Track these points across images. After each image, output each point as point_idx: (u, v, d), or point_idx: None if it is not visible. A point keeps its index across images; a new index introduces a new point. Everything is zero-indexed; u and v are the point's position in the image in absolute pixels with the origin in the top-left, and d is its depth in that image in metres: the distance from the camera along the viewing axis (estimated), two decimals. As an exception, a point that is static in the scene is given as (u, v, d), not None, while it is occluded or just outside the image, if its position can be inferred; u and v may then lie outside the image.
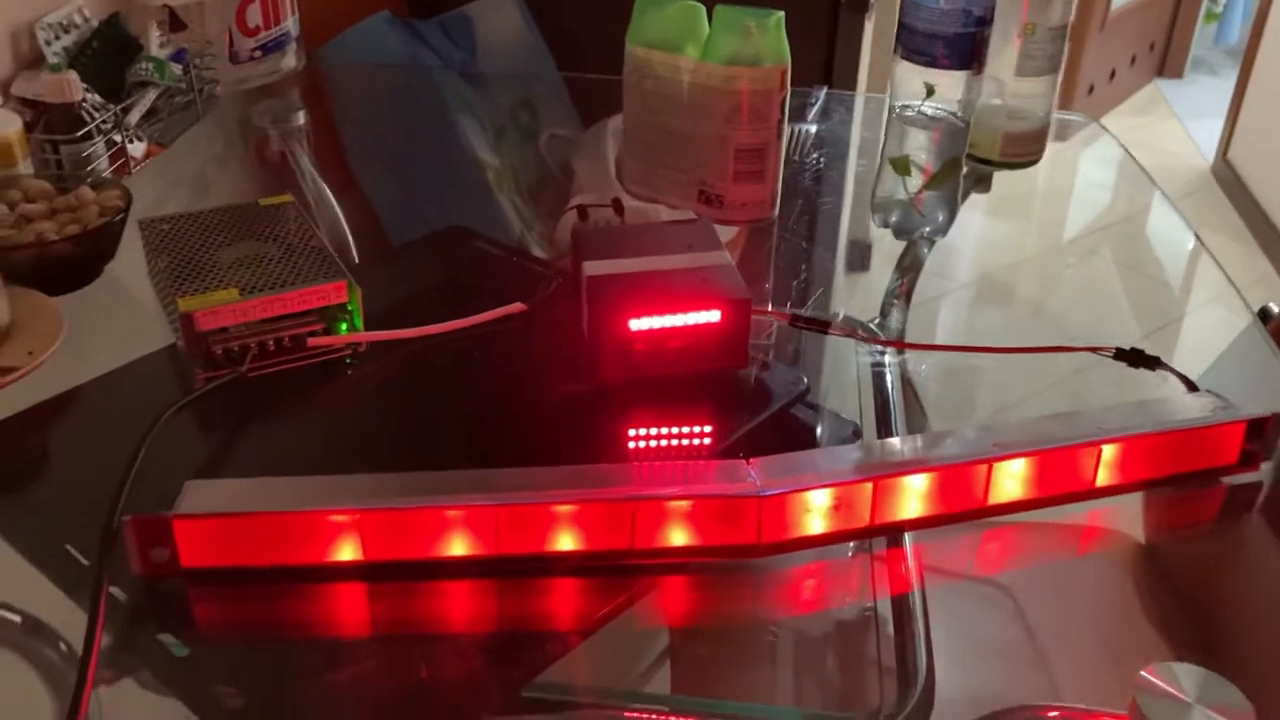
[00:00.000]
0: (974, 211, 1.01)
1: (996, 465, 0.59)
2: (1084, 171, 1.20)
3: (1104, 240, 1.05)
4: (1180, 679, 0.47)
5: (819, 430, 0.72)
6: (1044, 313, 0.94)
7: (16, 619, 0.55)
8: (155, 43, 1.05)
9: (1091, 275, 1.00)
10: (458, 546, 0.56)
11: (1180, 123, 3.32)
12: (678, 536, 0.57)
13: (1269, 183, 2.69)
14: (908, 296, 0.90)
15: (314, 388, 0.71)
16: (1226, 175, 2.90)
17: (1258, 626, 0.62)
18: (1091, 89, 3.19)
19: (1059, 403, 0.75)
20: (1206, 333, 0.86)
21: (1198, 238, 0.97)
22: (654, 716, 0.58)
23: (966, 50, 0.82)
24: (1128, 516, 0.66)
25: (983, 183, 1.00)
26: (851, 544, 0.61)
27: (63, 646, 0.53)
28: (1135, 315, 0.91)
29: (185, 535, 0.54)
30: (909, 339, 0.85)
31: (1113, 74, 3.31)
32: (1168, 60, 3.61)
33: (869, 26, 1.58)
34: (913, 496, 0.59)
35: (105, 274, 0.82)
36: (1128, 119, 3.35)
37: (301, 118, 1.15)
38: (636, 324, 0.68)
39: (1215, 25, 3.76)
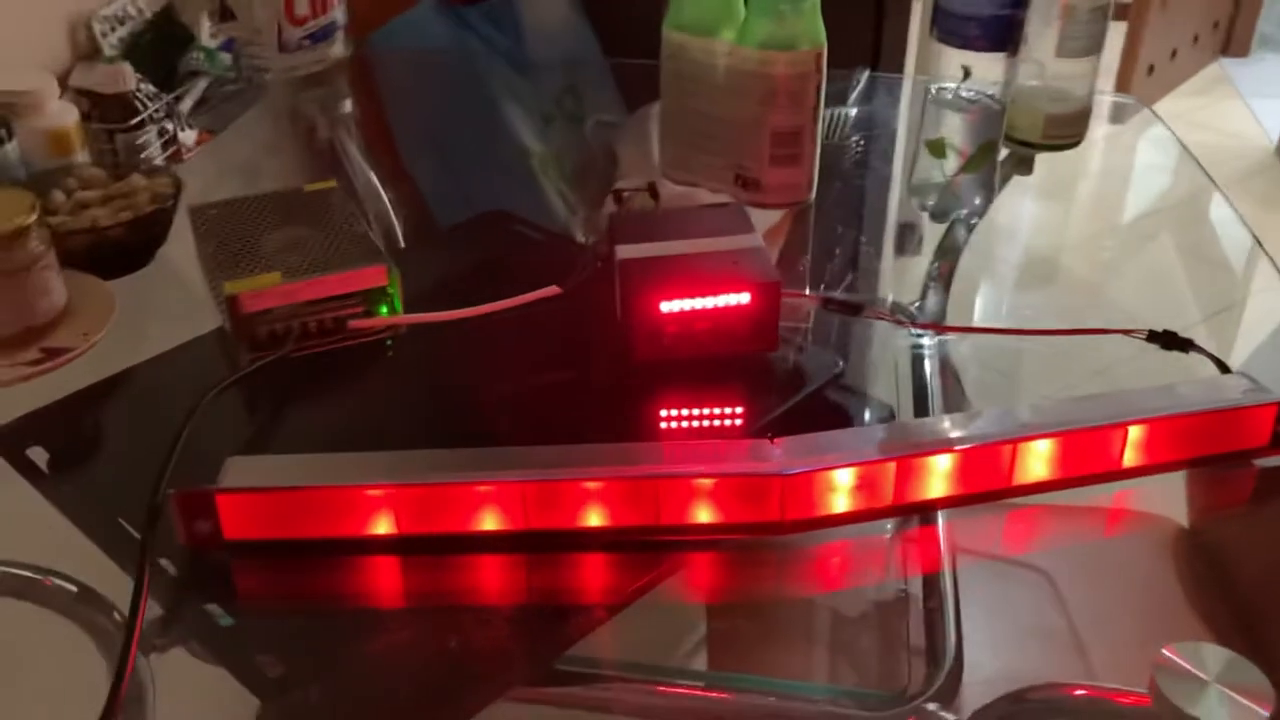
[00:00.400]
0: (1016, 194, 1.00)
1: (1021, 446, 0.59)
2: (1129, 154, 1.18)
3: (1149, 224, 1.04)
4: (1202, 658, 0.47)
5: (853, 413, 0.73)
6: (1087, 296, 0.93)
7: (72, 588, 0.58)
8: (206, 33, 1.08)
9: (1138, 259, 0.99)
10: (488, 521, 0.58)
11: (1245, 102, 3.24)
12: (702, 514, 0.58)
13: (1335, 163, 2.62)
14: (947, 279, 0.90)
15: (354, 368, 0.73)
16: (1291, 156, 2.83)
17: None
18: (1151, 69, 3.13)
19: (1104, 386, 0.74)
20: (1258, 318, 0.84)
21: (1243, 221, 0.96)
22: (684, 690, 0.59)
23: (1003, 32, 0.81)
24: (1159, 497, 0.66)
25: (1024, 165, 1.00)
26: (886, 522, 0.61)
27: (115, 615, 0.55)
28: (1181, 300, 0.90)
29: (227, 508, 0.56)
30: (950, 321, 0.85)
31: (1174, 53, 3.24)
32: (1233, 38, 3.52)
33: (917, 7, 1.57)
34: (937, 476, 0.59)
35: (158, 258, 0.84)
36: (1189, 99, 3.27)
37: (349, 105, 1.17)
38: (667, 306, 0.69)
39: (1283, 1, 3.66)
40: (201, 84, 1.07)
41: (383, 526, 0.58)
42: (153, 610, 0.55)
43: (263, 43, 1.12)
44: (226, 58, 1.09)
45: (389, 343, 0.75)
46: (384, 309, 0.73)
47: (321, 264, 0.72)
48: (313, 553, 0.58)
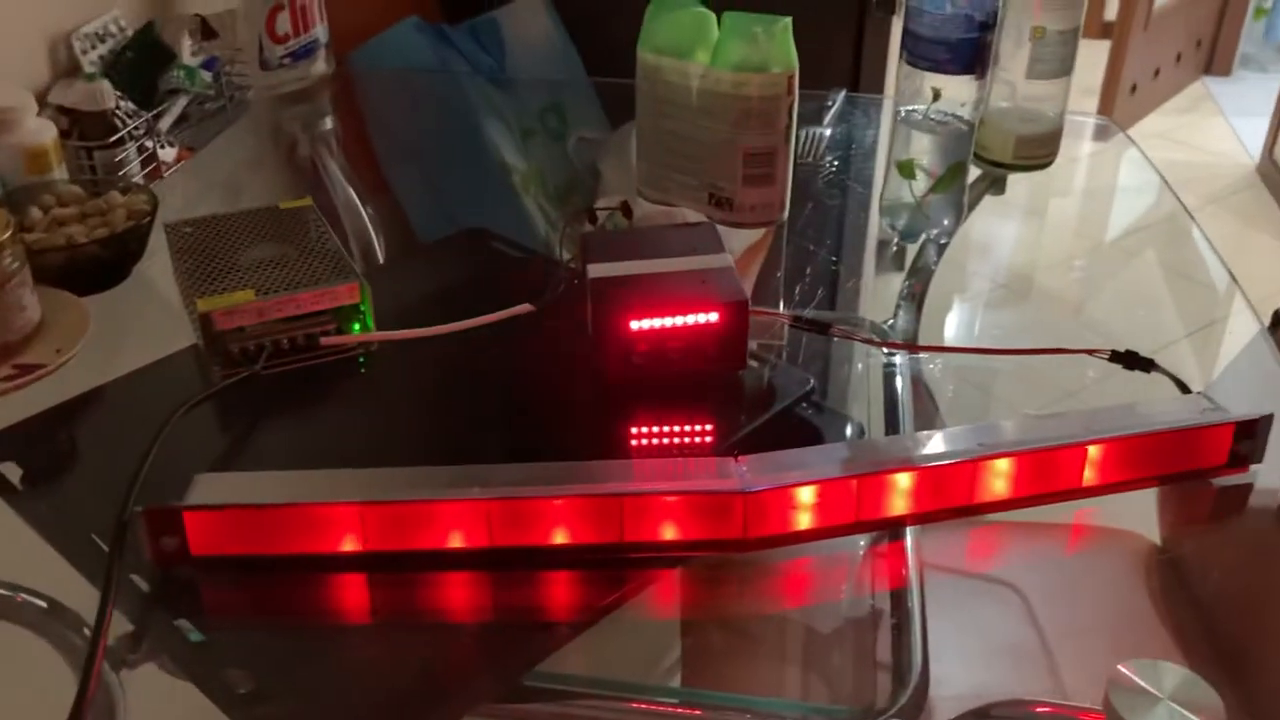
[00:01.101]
0: (990, 214, 1.01)
1: (982, 464, 0.60)
2: (1103, 175, 1.20)
3: (1122, 244, 1.05)
4: (1157, 675, 0.48)
5: (824, 431, 0.73)
6: (1060, 315, 0.94)
7: (42, 604, 0.58)
8: (187, 51, 1.08)
9: (1111, 279, 1.00)
10: (456, 539, 0.58)
11: (1226, 121, 3.27)
12: (667, 531, 0.58)
13: (1315, 182, 2.65)
14: (919, 298, 0.91)
15: (326, 385, 0.74)
16: (1272, 174, 2.85)
17: (1248, 624, 0.62)
18: (1135, 88, 3.15)
19: (1074, 405, 0.75)
20: (1231, 341, 0.85)
21: (1212, 246, 0.97)
22: (651, 706, 0.59)
23: (971, 55, 0.83)
24: (1122, 515, 0.67)
25: (997, 185, 1.01)
26: (855, 538, 0.62)
27: (85, 630, 0.55)
28: (1153, 320, 0.91)
29: (194, 525, 0.57)
30: (922, 340, 0.86)
31: (1157, 72, 3.27)
32: (1215, 57, 3.56)
33: (898, 29, 1.59)
34: (900, 494, 0.60)
35: (135, 275, 0.85)
36: (1173, 118, 3.30)
37: (330, 123, 1.18)
38: (636, 324, 0.69)
39: (1265, 21, 3.70)
40: (182, 102, 1.07)
41: (351, 544, 0.58)
42: (121, 626, 0.55)
43: (244, 60, 1.13)
44: (208, 76, 1.10)
45: (361, 360, 0.75)
46: (356, 326, 0.74)
47: (294, 281, 0.73)
48: (281, 569, 0.59)
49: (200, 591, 0.59)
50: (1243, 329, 0.84)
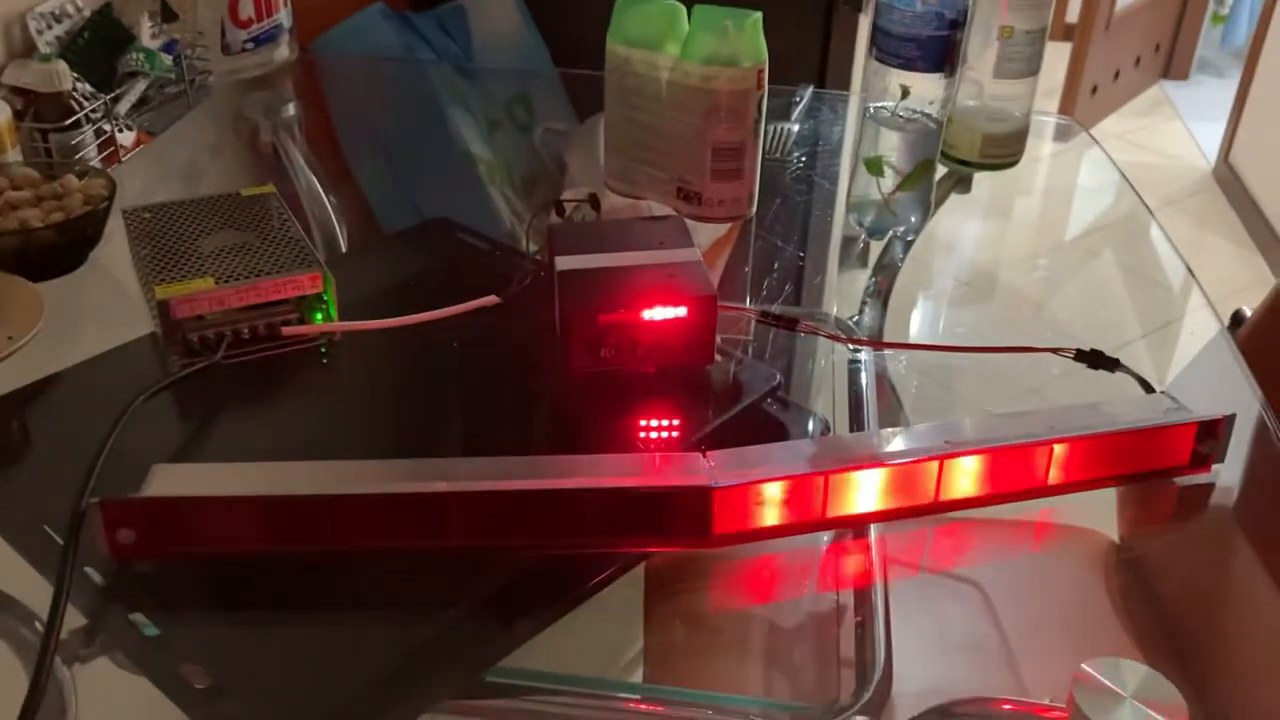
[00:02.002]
0: (956, 212, 1.02)
1: (948, 462, 0.60)
2: (1069, 175, 1.21)
3: (1085, 243, 1.06)
4: (1120, 674, 0.48)
5: (790, 426, 0.73)
6: (1024, 312, 0.95)
7: (-7, 597, 0.57)
8: (147, 33, 1.06)
9: (1075, 277, 1.01)
10: (417, 533, 0.57)
11: (1184, 124, 3.31)
12: (632, 527, 0.58)
13: (1269, 186, 2.69)
14: (885, 295, 0.92)
15: (287, 376, 0.72)
16: (1228, 178, 2.90)
17: (1215, 624, 0.63)
18: (1095, 89, 3.19)
19: (1038, 402, 0.76)
20: (1189, 340, 0.86)
21: (1172, 244, 0.98)
22: (617, 703, 0.59)
23: (940, 53, 0.83)
24: (1085, 513, 0.67)
25: (963, 183, 1.01)
26: (819, 535, 0.62)
27: (37, 624, 0.54)
28: (1126, 320, 0.92)
29: (150, 518, 0.56)
30: (889, 338, 0.86)
31: (1117, 74, 3.31)
32: (1173, 62, 3.60)
33: (865, 25, 1.59)
34: (865, 491, 0.60)
35: (93, 261, 0.83)
36: (1131, 120, 3.34)
37: (294, 109, 1.16)
38: (604, 318, 0.69)
39: (1222, 27, 3.75)
40: (141, 85, 1.05)
41: (310, 537, 0.57)
42: (75, 620, 0.54)
43: (205, 44, 1.11)
44: (168, 59, 1.08)
45: (323, 350, 0.74)
46: (318, 316, 0.73)
47: (256, 269, 0.72)
48: (240, 563, 0.58)
49: (157, 585, 0.58)
50: (1200, 328, 0.85)
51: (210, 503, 0.56)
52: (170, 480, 0.57)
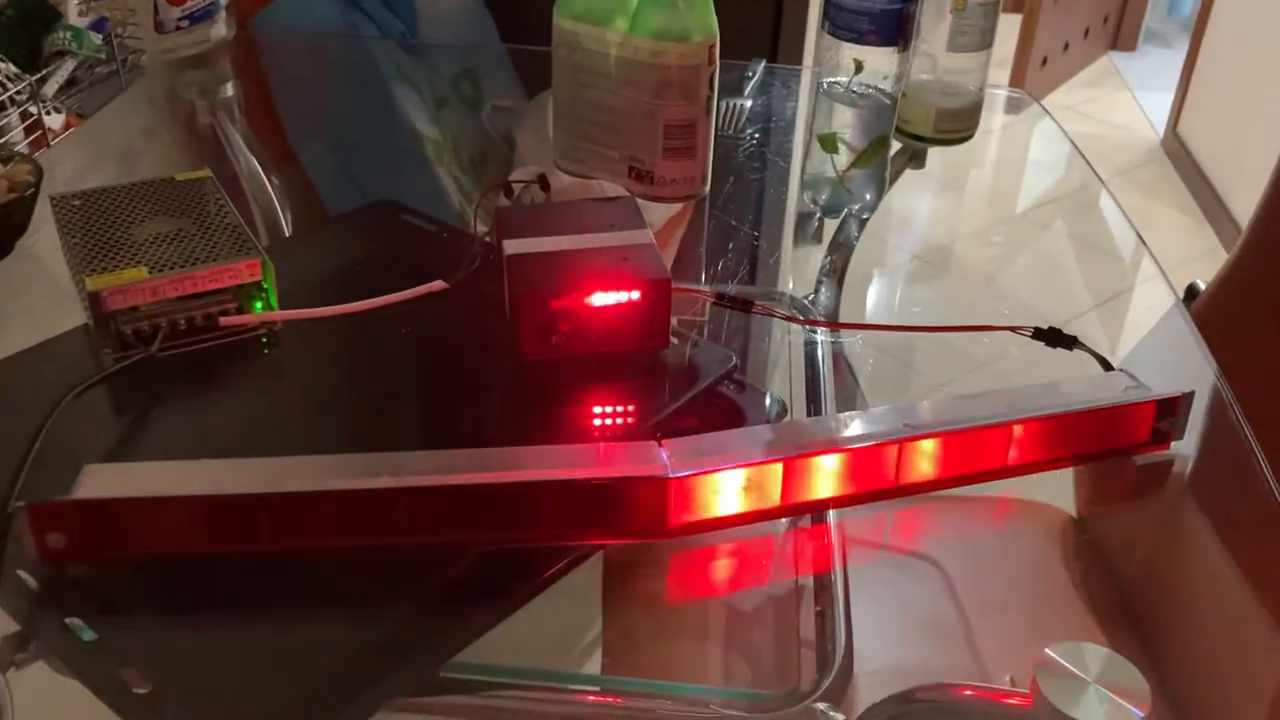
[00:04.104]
0: (910, 187, 1.01)
1: (908, 445, 0.59)
2: (1022, 148, 1.21)
3: (1039, 215, 1.06)
4: (1083, 658, 0.48)
5: (746, 409, 0.72)
6: (984, 289, 0.94)
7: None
8: (74, 10, 1.02)
9: (1029, 250, 1.01)
10: (367, 529, 0.56)
11: (1132, 95, 3.35)
12: (587, 520, 0.57)
13: (1215, 156, 2.72)
14: (840, 273, 0.91)
15: (227, 368, 0.70)
16: (1176, 148, 2.93)
17: (1173, 601, 0.63)
18: (1045, 61, 3.21)
19: (994, 378, 0.75)
20: (1147, 311, 0.86)
21: (1126, 216, 0.98)
22: (575, 695, 0.58)
23: (894, 26, 0.82)
24: (1046, 493, 0.67)
25: (917, 159, 1.00)
26: (774, 523, 0.61)
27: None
28: (1076, 293, 0.92)
29: (82, 521, 0.53)
30: (844, 316, 0.86)
31: (1066, 46, 3.33)
32: (1121, 32, 3.63)
33: (815, -1, 1.58)
34: (825, 477, 0.59)
35: (20, 251, 0.80)
36: (1080, 91, 3.37)
37: (232, 89, 1.13)
38: (555, 303, 0.67)
39: (1168, -3, 3.79)
40: (69, 65, 1.01)
41: (253, 537, 0.55)
42: (6, 625, 0.52)
43: (137, 22, 1.07)
44: (97, 38, 1.04)
45: (264, 341, 0.72)
46: (258, 305, 0.71)
47: (192, 258, 0.69)
48: (180, 564, 0.56)
49: (95, 587, 0.55)
50: (1151, 298, 0.86)
51: (146, 504, 0.54)
52: (103, 481, 0.55)
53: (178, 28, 1.08)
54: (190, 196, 0.76)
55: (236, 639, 0.54)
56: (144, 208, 0.75)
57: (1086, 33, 3.44)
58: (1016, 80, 3.10)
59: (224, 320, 0.69)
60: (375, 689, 0.52)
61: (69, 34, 1.00)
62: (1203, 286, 0.93)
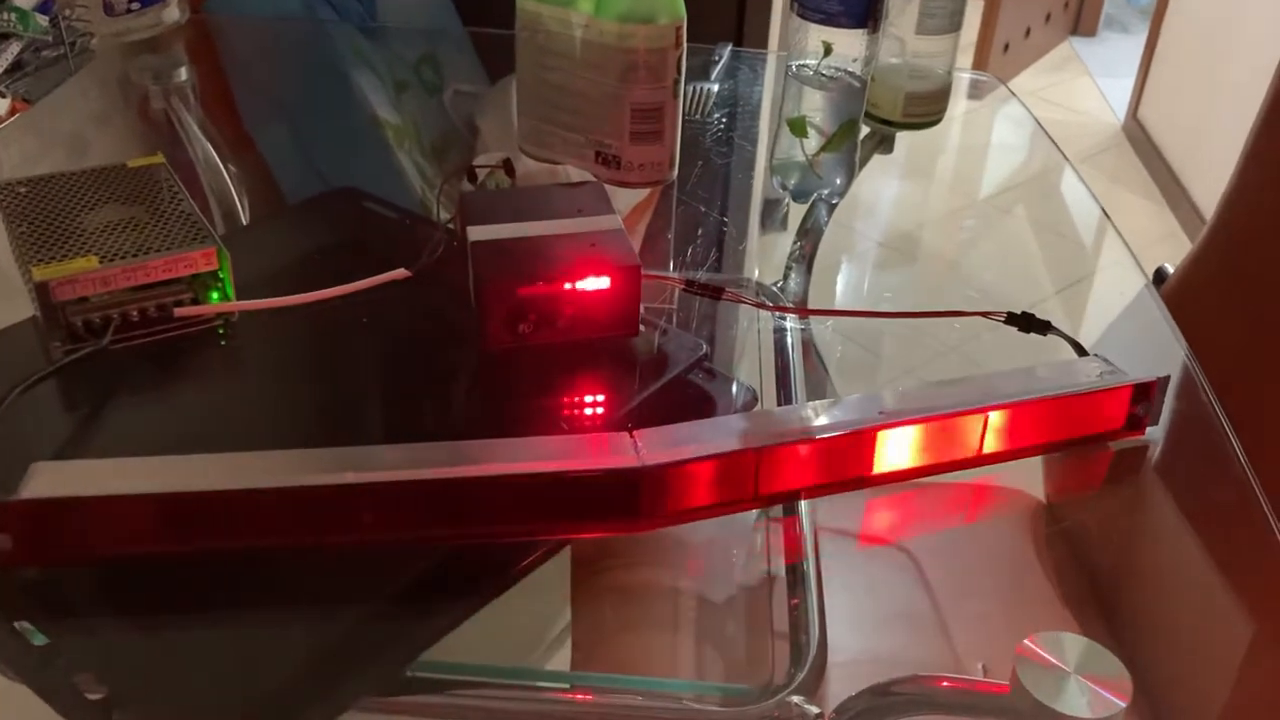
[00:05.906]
0: (878, 172, 1.00)
1: (882, 433, 0.58)
2: (987, 132, 1.20)
3: (1005, 200, 1.05)
4: (1061, 648, 0.48)
5: (716, 397, 0.71)
6: (950, 273, 0.94)
7: None
8: (20, -8, 0.99)
9: (996, 234, 1.00)
10: (329, 526, 0.54)
11: (1093, 81, 3.36)
12: (557, 513, 0.55)
13: (1176, 141, 2.74)
14: (809, 259, 0.90)
15: (182, 361, 0.68)
16: (1137, 133, 2.95)
17: (1145, 587, 0.63)
18: (1007, 47, 3.22)
19: (966, 363, 0.75)
20: (1110, 294, 0.86)
21: (1095, 199, 0.98)
22: (545, 693, 0.57)
23: (863, 8, 0.80)
24: (1021, 480, 0.67)
25: (885, 143, 1.00)
26: (746, 513, 0.60)
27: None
28: (1040, 277, 0.91)
29: (29, 521, 0.51)
30: (813, 302, 0.85)
31: (1028, 32, 3.34)
32: (1081, 18, 3.65)
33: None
34: (798, 466, 0.58)
35: (-37, 240, 0.77)
36: (1043, 77, 3.38)
37: (185, 74, 1.10)
38: (522, 291, 0.66)
39: (1128, -17, 3.81)
40: (15, 47, 0.98)
41: (211, 535, 0.53)
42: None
43: (86, 5, 1.04)
44: (43, 20, 1.01)
45: (221, 332, 0.70)
46: (214, 295, 0.69)
47: (144, 247, 0.67)
48: (135, 564, 0.54)
49: (44, 590, 0.54)
50: (1116, 283, 0.85)
51: (97, 502, 0.52)
52: (51, 479, 0.53)
53: (128, 10, 1.05)
54: (143, 183, 0.74)
55: (194, 641, 0.53)
56: (94, 195, 0.72)
57: (1048, 18, 3.46)
58: (979, 66, 3.11)
59: (179, 311, 0.67)
60: (340, 690, 0.51)
61: (13, 15, 0.97)
62: (1170, 270, 0.93)
